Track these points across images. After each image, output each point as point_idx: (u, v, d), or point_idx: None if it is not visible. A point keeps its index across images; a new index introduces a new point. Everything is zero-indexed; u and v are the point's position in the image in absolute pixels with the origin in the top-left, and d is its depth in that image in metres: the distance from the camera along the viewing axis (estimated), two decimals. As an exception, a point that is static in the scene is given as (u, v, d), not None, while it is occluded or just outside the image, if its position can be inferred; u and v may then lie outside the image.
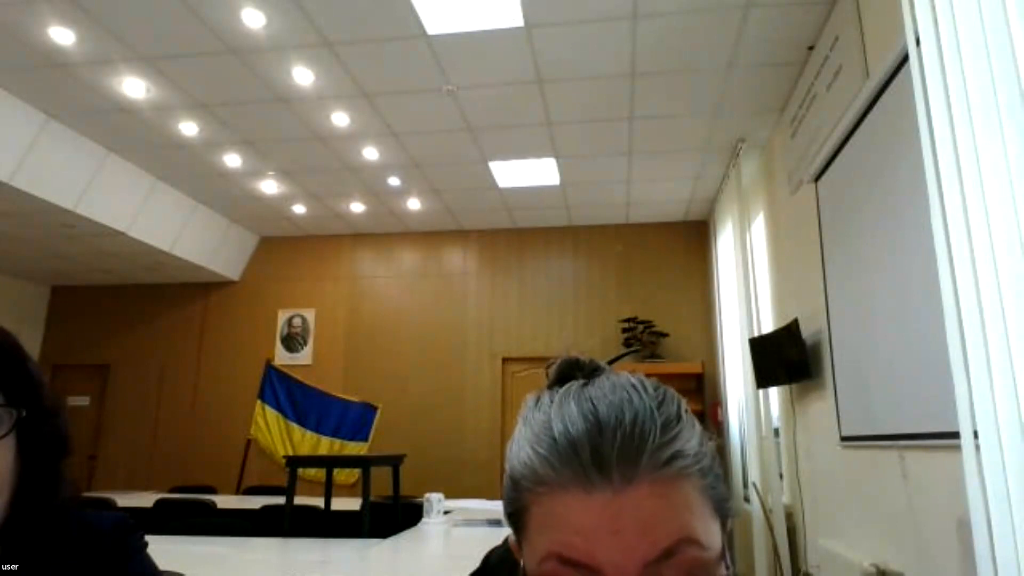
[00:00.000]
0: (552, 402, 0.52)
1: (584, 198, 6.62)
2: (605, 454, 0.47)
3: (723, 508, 0.51)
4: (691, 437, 0.50)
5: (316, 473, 6.46)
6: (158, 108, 4.88)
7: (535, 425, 0.51)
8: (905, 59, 2.52)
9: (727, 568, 0.49)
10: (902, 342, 2.87)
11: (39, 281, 8.08)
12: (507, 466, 0.53)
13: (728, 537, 0.52)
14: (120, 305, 8.06)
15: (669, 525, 0.46)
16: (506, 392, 7.20)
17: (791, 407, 4.62)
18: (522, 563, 0.52)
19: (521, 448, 0.52)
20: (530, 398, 0.55)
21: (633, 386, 0.51)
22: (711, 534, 0.49)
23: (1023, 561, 1.64)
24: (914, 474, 2.84)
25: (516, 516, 0.52)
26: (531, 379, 7.01)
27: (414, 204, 6.82)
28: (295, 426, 7.41)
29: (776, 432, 4.97)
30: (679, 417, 0.50)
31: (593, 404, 0.49)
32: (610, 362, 0.57)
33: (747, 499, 5.18)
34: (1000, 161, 1.74)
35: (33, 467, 0.85)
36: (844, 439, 3.60)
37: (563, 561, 0.47)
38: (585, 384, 0.53)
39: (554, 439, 0.49)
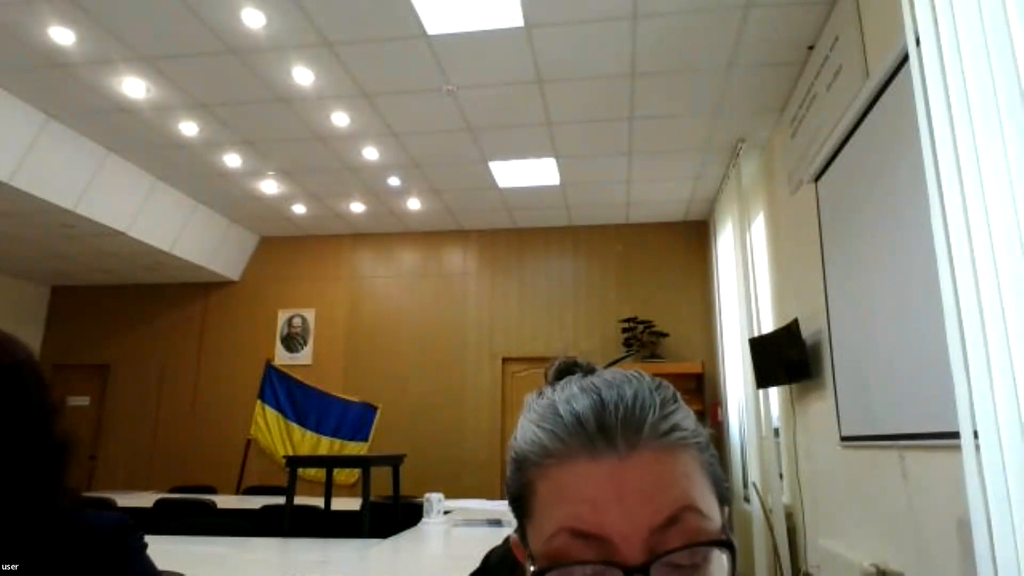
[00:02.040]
0: (555, 391, 0.54)
1: (584, 198, 6.62)
2: (609, 424, 0.49)
3: (721, 488, 0.53)
4: (687, 417, 0.53)
5: (316, 473, 6.46)
6: (158, 108, 4.88)
7: (539, 409, 0.54)
8: (905, 59, 2.52)
9: (728, 536, 0.50)
10: (902, 342, 2.87)
11: (39, 281, 8.08)
12: (511, 454, 0.55)
13: (728, 523, 0.53)
14: (120, 305, 8.06)
15: (671, 492, 0.48)
16: (506, 392, 7.20)
17: (791, 407, 4.62)
18: (526, 553, 0.52)
19: (526, 430, 0.53)
20: (532, 393, 0.58)
21: (632, 374, 0.55)
22: (711, 506, 0.50)
23: (1023, 561, 1.64)
24: (914, 474, 2.84)
25: (521, 499, 0.53)
26: (531, 379, 7.00)
27: (414, 204, 6.82)
28: (295, 426, 7.41)
29: (776, 432, 4.97)
30: (675, 399, 0.54)
31: (595, 385, 0.52)
32: (607, 366, 0.59)
33: (747, 499, 5.18)
34: (1000, 161, 1.74)
35: (33, 468, 0.85)
36: (844, 439, 3.60)
37: (573, 533, 0.47)
38: (585, 376, 0.56)
39: (560, 415, 0.51)
